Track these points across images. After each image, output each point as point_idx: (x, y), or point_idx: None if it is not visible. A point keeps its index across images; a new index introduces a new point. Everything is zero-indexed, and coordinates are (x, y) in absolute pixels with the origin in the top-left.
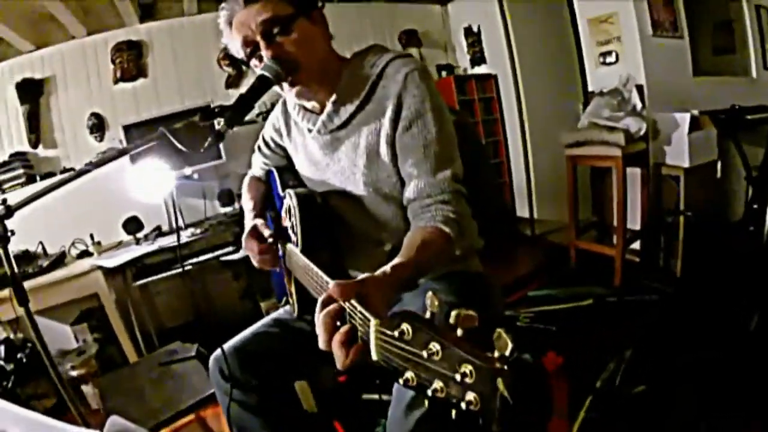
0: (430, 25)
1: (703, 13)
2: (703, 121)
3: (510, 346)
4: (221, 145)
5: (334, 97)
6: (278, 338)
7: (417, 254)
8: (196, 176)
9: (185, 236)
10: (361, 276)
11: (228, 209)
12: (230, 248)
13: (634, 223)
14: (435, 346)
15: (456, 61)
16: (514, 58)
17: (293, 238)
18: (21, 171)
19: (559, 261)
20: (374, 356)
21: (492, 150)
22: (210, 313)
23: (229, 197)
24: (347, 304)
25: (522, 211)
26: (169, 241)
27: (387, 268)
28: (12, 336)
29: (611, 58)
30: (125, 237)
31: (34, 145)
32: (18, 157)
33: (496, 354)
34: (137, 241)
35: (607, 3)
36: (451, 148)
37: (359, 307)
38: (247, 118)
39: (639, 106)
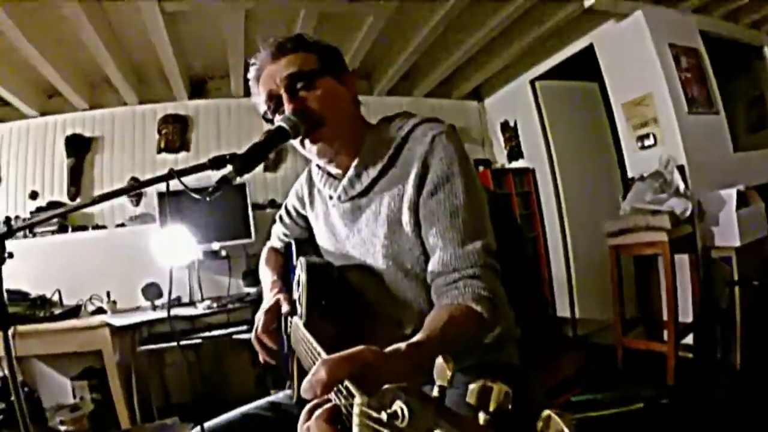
0: (468, 120)
1: (734, 90)
2: (751, 196)
3: (504, 397)
4: (252, 224)
5: (356, 160)
6: (270, 424)
7: (441, 333)
8: (223, 253)
9: (201, 308)
10: (360, 348)
11: (252, 290)
12: (245, 327)
13: (685, 315)
14: None
15: (493, 156)
16: (551, 151)
17: (299, 310)
18: (55, 220)
19: (604, 362)
20: None
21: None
22: (220, 395)
23: (254, 277)
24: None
25: (563, 311)
26: (186, 311)
27: (402, 345)
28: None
29: (649, 141)
30: (144, 303)
31: (73, 198)
32: (54, 206)
33: (481, 417)
34: (154, 308)
35: (640, 85)
36: (482, 218)
37: (346, 381)
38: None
39: (682, 186)
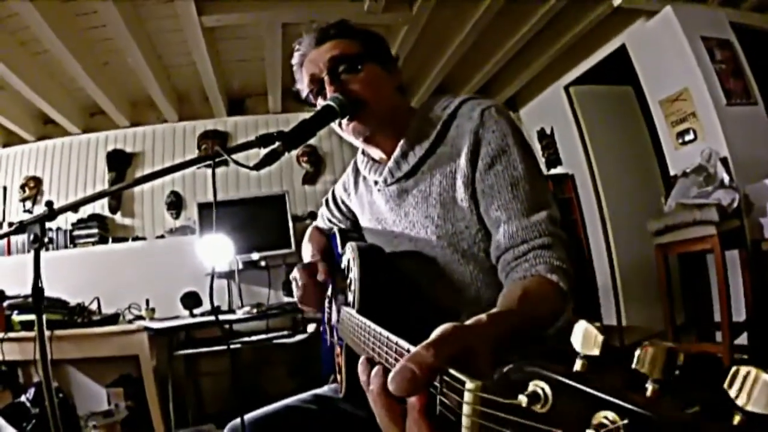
0: None
1: None
2: None
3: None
4: (291, 235)
5: (402, 141)
6: (315, 417)
7: (520, 304)
8: (263, 263)
9: (240, 313)
10: (446, 326)
11: (291, 299)
12: (285, 332)
13: (738, 314)
14: (609, 417)
15: None
16: (589, 156)
17: (350, 297)
18: (95, 231)
19: None
20: None
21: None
22: (256, 404)
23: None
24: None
25: (609, 319)
26: (226, 317)
27: (482, 315)
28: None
29: (689, 136)
30: (182, 312)
31: (113, 211)
32: (96, 218)
33: (736, 419)
34: (192, 315)
35: (676, 81)
36: (544, 188)
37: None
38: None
39: (727, 179)
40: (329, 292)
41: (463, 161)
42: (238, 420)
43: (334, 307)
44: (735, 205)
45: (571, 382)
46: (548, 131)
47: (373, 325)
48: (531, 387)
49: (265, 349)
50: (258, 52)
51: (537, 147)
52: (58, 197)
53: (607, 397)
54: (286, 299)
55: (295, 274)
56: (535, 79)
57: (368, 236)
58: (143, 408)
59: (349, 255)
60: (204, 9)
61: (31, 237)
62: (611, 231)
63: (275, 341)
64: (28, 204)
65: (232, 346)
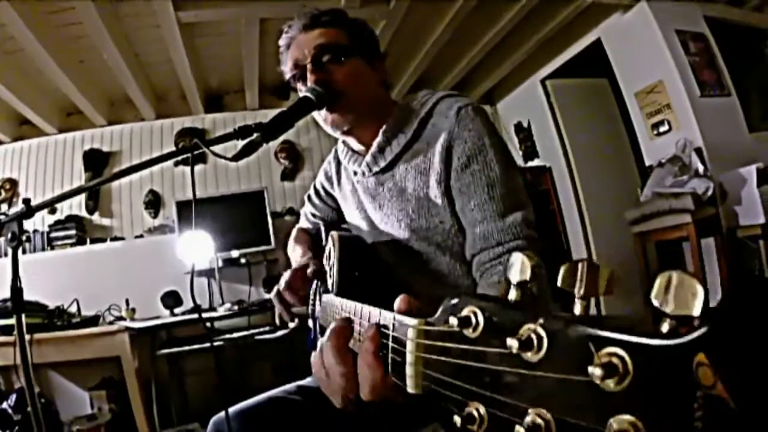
0: None
1: (748, 78)
2: None
3: (699, 292)
4: (271, 231)
5: (380, 136)
6: (298, 407)
7: None
8: (243, 260)
9: (222, 310)
10: None
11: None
12: (267, 328)
13: (714, 300)
14: (535, 332)
15: None
16: (566, 148)
17: (330, 283)
18: (73, 232)
19: None
20: (410, 385)
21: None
22: (239, 401)
23: (274, 283)
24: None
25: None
26: (207, 315)
27: None
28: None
29: (664, 127)
30: (163, 312)
31: (91, 211)
32: (73, 219)
33: (664, 326)
34: (173, 315)
35: (651, 73)
36: (520, 190)
37: (396, 315)
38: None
39: (701, 168)
40: (314, 287)
41: (437, 159)
42: (222, 414)
43: (317, 300)
44: (709, 193)
45: (497, 307)
46: (525, 124)
47: (347, 301)
48: (464, 312)
49: (248, 346)
50: (235, 49)
51: (514, 140)
52: (35, 198)
53: (530, 314)
54: (267, 296)
55: (285, 274)
56: (512, 73)
57: (351, 226)
58: (127, 410)
59: (329, 244)
60: (181, 4)
61: (9, 235)
62: (589, 221)
63: (257, 337)
64: (4, 207)
65: (216, 344)
